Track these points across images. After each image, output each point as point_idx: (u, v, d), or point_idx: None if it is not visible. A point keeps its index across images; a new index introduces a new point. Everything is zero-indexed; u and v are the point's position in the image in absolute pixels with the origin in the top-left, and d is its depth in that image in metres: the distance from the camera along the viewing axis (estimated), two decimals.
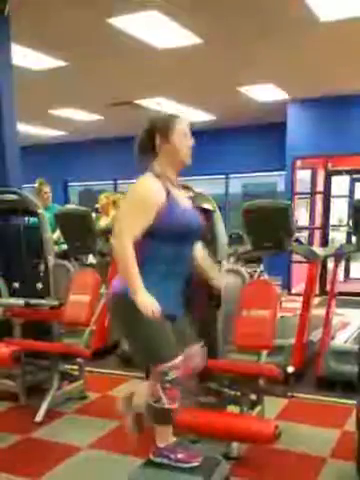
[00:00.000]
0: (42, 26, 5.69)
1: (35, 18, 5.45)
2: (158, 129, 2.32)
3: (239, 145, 11.17)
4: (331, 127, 8.93)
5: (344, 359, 4.07)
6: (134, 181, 2.34)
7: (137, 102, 9.09)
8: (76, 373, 4.10)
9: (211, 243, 3.52)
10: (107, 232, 5.83)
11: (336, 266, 4.55)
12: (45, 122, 10.75)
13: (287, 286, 9.03)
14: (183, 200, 2.38)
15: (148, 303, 2.17)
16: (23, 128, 10.56)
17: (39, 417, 3.61)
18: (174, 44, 6.22)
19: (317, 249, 4.85)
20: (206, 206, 3.51)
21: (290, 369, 3.12)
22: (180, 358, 2.28)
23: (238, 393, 3.25)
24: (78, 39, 6.11)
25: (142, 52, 6.43)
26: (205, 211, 3.54)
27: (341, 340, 4.70)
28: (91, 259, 6.28)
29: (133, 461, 2.81)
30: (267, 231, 4.43)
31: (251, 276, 6.56)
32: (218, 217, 3.51)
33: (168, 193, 2.27)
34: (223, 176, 11.94)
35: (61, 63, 6.87)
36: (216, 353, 3.40)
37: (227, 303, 3.42)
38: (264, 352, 3.26)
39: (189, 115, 9.95)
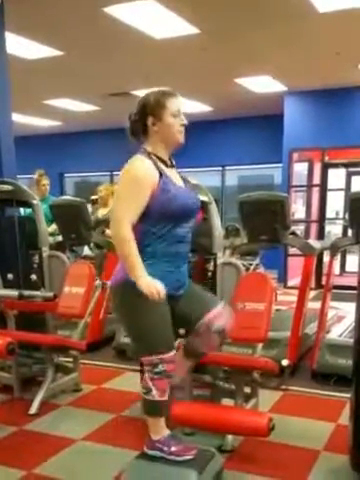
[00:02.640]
0: (38, 15, 5.63)
1: (30, 6, 5.38)
2: (150, 109, 2.26)
3: (236, 137, 11.13)
4: (328, 119, 8.91)
5: (339, 353, 4.07)
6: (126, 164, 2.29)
7: (134, 93, 9.02)
8: (71, 365, 4.09)
9: (207, 235, 3.52)
10: (105, 224, 5.81)
11: (332, 259, 4.53)
12: (41, 112, 10.67)
13: (283, 279, 9.02)
14: (177, 179, 2.34)
15: (151, 286, 2.12)
16: (18, 118, 10.52)
17: (33, 409, 3.60)
18: (171, 34, 6.16)
19: (313, 242, 4.83)
20: (202, 198, 3.50)
21: (285, 362, 3.11)
22: (173, 353, 2.25)
23: (233, 386, 3.25)
24: (74, 28, 6.05)
25: (139, 42, 6.38)
26: (201, 203, 3.54)
27: (336, 334, 4.69)
28: (86, 251, 6.27)
29: (127, 454, 2.81)
30: (263, 224, 4.41)
31: (247, 269, 6.55)
32: (214, 209, 3.49)
33: (161, 173, 2.22)
34: (219, 168, 11.90)
35: (57, 53, 6.81)
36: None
37: (223, 296, 3.42)
38: (259, 345, 3.25)
39: (186, 106, 9.88)
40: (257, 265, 5.94)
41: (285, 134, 9.33)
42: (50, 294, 3.87)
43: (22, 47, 6.54)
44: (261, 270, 7.54)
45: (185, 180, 2.42)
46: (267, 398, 3.65)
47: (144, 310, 2.18)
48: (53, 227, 5.26)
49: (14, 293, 3.90)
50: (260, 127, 10.76)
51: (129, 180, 2.20)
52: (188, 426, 3.13)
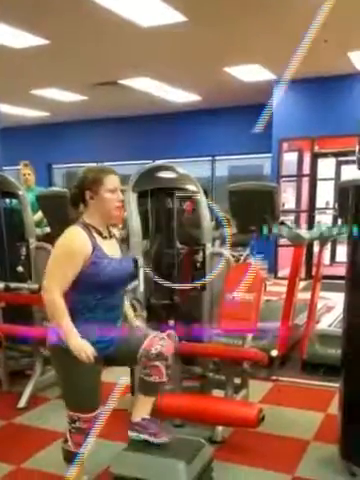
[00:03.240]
0: (23, 2, 5.50)
1: None
2: (87, 184, 2.34)
3: (225, 126, 11.05)
4: (317, 108, 8.88)
5: (328, 343, 4.08)
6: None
7: (121, 82, 8.95)
8: None
9: (196, 226, 3.50)
10: None
11: (321, 250, 4.53)
12: (28, 103, 10.51)
13: (274, 270, 9.03)
14: (113, 249, 2.41)
15: (82, 347, 2.23)
16: (6, 109, 10.41)
17: (22, 403, 3.58)
18: (158, 22, 6.07)
19: (302, 232, 4.81)
20: (190, 188, 3.48)
21: (274, 353, 3.11)
22: (94, 413, 2.34)
23: (223, 377, 3.24)
24: (60, 16, 5.95)
25: (126, 30, 6.29)
26: (191, 193, 3.50)
27: (326, 324, 4.70)
28: None
29: (118, 445, 2.79)
30: (252, 214, 4.39)
31: (237, 260, 6.53)
32: (202, 200, 3.46)
33: (94, 244, 2.30)
34: (209, 158, 11.85)
35: (43, 41, 6.70)
36: (201, 336, 3.38)
37: (213, 286, 3.40)
38: (249, 336, 3.24)
39: (174, 95, 9.84)
40: (247, 256, 5.92)
41: (274, 123, 9.25)
42: (37, 286, 3.82)
43: (8, 35, 6.43)
44: (251, 261, 7.55)
45: (122, 248, 2.51)
46: (257, 389, 3.65)
47: (74, 372, 2.30)
48: (38, 215, 5.18)
49: (0, 285, 3.87)
50: (250, 116, 10.53)
51: (63, 250, 2.32)
52: (178, 417, 3.12)
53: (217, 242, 4.57)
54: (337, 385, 2.91)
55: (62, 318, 2.24)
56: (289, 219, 9.03)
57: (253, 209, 4.36)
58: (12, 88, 9.01)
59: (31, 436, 3.19)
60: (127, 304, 2.68)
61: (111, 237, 2.43)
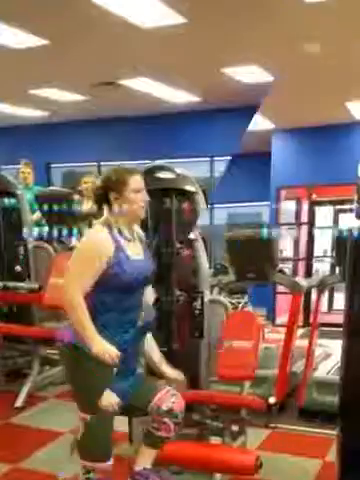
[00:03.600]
0: (22, 2, 5.49)
1: None
2: (111, 185, 2.37)
3: (224, 127, 10.65)
4: (315, 157, 9.01)
5: (326, 390, 4.10)
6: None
7: (121, 82, 8.79)
8: (57, 357, 3.99)
9: (194, 274, 3.58)
10: (90, 216, 5.73)
11: (319, 297, 4.60)
12: (27, 102, 10.33)
13: (272, 317, 9.04)
14: (134, 250, 2.41)
15: (105, 350, 2.20)
16: (4, 108, 10.31)
17: (19, 402, 3.54)
18: (157, 23, 6.04)
19: (300, 280, 4.89)
20: (188, 188, 3.53)
21: (272, 400, 3.13)
22: (110, 464, 2.31)
23: (220, 424, 3.26)
24: (59, 16, 5.89)
25: (125, 31, 6.25)
26: (187, 193, 3.56)
27: (323, 371, 4.72)
28: (74, 242, 6.18)
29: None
30: (251, 262, 4.46)
31: (235, 307, 6.57)
32: (200, 198, 3.52)
33: (117, 244, 2.31)
34: (207, 158, 11.48)
35: (43, 41, 6.65)
36: (199, 383, 3.42)
37: (211, 333, 3.46)
38: (247, 383, 3.28)
39: (172, 95, 9.57)
40: (246, 303, 5.98)
41: (272, 173, 9.45)
42: (35, 285, 3.82)
43: (7, 35, 6.39)
44: (249, 308, 7.59)
45: (146, 249, 2.50)
46: (255, 436, 3.64)
47: (88, 373, 2.26)
48: (37, 215, 5.19)
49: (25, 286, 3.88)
50: (246, 119, 10.65)
51: (85, 248, 2.34)
52: (176, 464, 3.12)
53: (215, 289, 4.65)
54: (335, 432, 2.93)
55: (82, 318, 2.20)
56: (287, 267, 9.13)
57: (251, 257, 4.44)
58: (12, 88, 8.90)
59: (28, 435, 3.17)
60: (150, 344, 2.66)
61: (134, 237, 2.43)
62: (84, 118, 11.71)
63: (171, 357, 3.47)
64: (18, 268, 4.13)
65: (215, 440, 3.33)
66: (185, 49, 7.11)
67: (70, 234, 5.25)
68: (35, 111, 11.19)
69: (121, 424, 2.62)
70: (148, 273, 2.44)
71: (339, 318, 3.14)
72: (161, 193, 3.50)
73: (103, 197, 2.39)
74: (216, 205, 11.87)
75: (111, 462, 2.32)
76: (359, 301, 2.84)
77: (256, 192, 10.58)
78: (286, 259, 9.68)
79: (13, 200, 4.30)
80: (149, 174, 3.36)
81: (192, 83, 9.00)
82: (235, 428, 3.30)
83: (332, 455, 3.12)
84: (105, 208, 2.41)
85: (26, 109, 10.98)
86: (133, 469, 2.47)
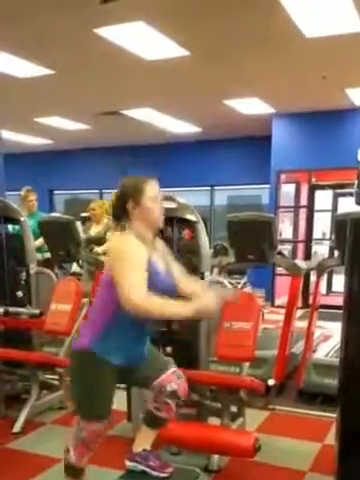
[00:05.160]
0: (29, 34, 5.67)
1: (21, 25, 5.43)
2: (129, 194, 2.28)
3: (225, 157, 11.25)
4: (315, 142, 9.02)
5: (325, 372, 4.08)
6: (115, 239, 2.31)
7: (123, 112, 9.10)
8: (56, 383, 4.05)
9: (195, 254, 3.54)
10: (97, 241, 5.79)
11: (318, 279, 4.56)
12: (32, 130, 10.70)
13: (271, 298, 9.04)
14: (161, 263, 2.31)
15: (205, 304, 2.12)
16: (9, 136, 10.55)
17: (17, 428, 3.56)
18: (161, 56, 6.23)
19: (299, 262, 4.86)
20: (189, 217, 3.53)
21: (271, 382, 3.11)
22: (101, 425, 2.28)
23: (219, 405, 3.24)
24: (65, 48, 6.11)
25: (129, 63, 6.45)
26: (188, 222, 3.56)
27: (322, 353, 4.71)
28: (75, 268, 6.24)
29: (113, 473, 2.78)
30: (250, 243, 4.43)
31: (235, 288, 6.57)
32: (201, 228, 3.51)
33: (149, 255, 2.22)
34: (208, 188, 12.01)
35: (48, 71, 6.86)
36: (198, 364, 3.40)
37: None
38: (246, 364, 3.25)
39: (175, 126, 10.01)
40: (245, 284, 5.96)
41: (273, 156, 9.42)
42: (36, 311, 3.84)
43: (13, 65, 6.58)
44: (249, 289, 7.59)
45: (166, 261, 2.38)
46: (254, 417, 3.64)
47: (95, 379, 2.23)
48: (40, 241, 5.23)
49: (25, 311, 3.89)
50: (249, 148, 10.88)
51: (129, 253, 2.16)
52: (174, 445, 3.11)
53: (215, 270, 4.62)
54: (334, 415, 2.91)
55: (169, 308, 2.09)
56: (286, 249, 9.10)
57: (251, 239, 4.40)
58: (17, 116, 9.17)
59: (26, 462, 3.17)
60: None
61: (155, 248, 2.34)
62: (87, 146, 12.07)
63: (171, 337, 3.46)
64: (20, 293, 4.16)
65: (214, 421, 3.31)
66: (188, 81, 7.35)
67: (71, 260, 5.26)
68: (39, 139, 11.50)
69: (120, 403, 2.56)
70: (171, 288, 2.30)
71: (338, 300, 3.11)
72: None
73: (122, 208, 2.29)
74: (216, 187, 11.93)
75: (104, 424, 2.29)
76: (358, 282, 2.80)
77: (256, 175, 10.62)
78: (285, 241, 9.66)
79: (17, 226, 4.35)
80: None
81: (194, 114, 9.32)
82: (234, 409, 3.28)
83: (331, 438, 3.11)
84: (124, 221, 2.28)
85: (31, 137, 11.28)
86: (132, 450, 2.46)
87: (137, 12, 5.06)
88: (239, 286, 6.16)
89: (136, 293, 2.04)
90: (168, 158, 11.55)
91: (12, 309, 3.86)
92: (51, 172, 12.77)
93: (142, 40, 5.77)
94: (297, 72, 6.91)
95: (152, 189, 2.30)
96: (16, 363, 3.95)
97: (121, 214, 2.30)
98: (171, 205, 3.57)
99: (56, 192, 13.79)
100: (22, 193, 6.31)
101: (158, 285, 2.18)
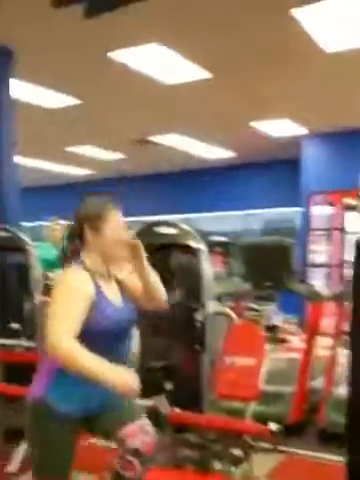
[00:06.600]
0: (50, 63, 5.68)
1: (41, 55, 5.43)
2: (87, 219, 2.07)
3: (257, 182, 11.12)
4: (346, 161, 8.72)
5: None
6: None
7: (153, 139, 9.05)
8: None
9: (196, 282, 3.33)
10: None
11: (340, 306, 4.27)
12: (63, 159, 10.75)
13: (303, 325, 8.65)
14: (114, 295, 2.11)
15: (126, 378, 1.87)
16: (41, 165, 10.74)
17: (13, 467, 3.37)
18: (183, 79, 6.14)
19: (320, 288, 4.58)
20: (191, 244, 3.35)
21: (274, 426, 2.79)
22: None
23: (222, 448, 2.97)
24: (86, 75, 6.09)
25: (150, 89, 6.38)
26: (191, 249, 3.38)
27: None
28: None
29: None
30: (267, 270, 4.24)
31: (260, 315, 6.31)
32: (203, 255, 3.30)
33: (98, 289, 2.02)
34: (241, 212, 11.82)
35: (75, 101, 6.91)
36: (200, 401, 3.16)
37: (212, 350, 3.19)
38: (251, 404, 2.98)
39: (206, 151, 9.95)
40: (263, 311, 5.74)
41: (303, 178, 9.21)
42: (33, 344, 3.69)
43: (42, 96, 6.66)
44: (278, 316, 7.26)
45: (123, 289, 2.18)
46: (264, 461, 3.32)
47: (52, 436, 2.02)
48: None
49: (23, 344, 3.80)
50: (280, 171, 10.70)
51: (67, 290, 1.98)
52: None
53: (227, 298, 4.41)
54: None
55: (86, 362, 1.83)
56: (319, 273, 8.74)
57: (267, 265, 4.21)
58: (47, 146, 9.29)
59: None
60: None
61: (111, 278, 2.13)
62: (122, 175, 12.03)
63: (170, 373, 3.24)
64: (14, 326, 4.07)
65: (218, 465, 3.04)
66: (212, 103, 7.25)
67: None
68: (72, 168, 11.60)
69: None
70: (128, 319, 2.13)
71: None
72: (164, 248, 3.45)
73: (76, 234, 2.09)
74: (249, 211, 11.75)
75: None
76: None
77: (288, 198, 10.43)
78: (318, 265, 9.29)
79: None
80: (150, 229, 3.46)
81: (223, 138, 9.23)
82: (238, 453, 3.00)
83: None
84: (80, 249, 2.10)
85: (64, 166, 11.40)
86: None
87: (150, 32, 4.92)
88: (264, 313, 5.90)
89: (59, 336, 1.85)
90: (200, 183, 11.49)
91: (8, 341, 3.70)
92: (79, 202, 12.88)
93: (164, 65, 5.70)
94: (323, 89, 6.66)
95: (116, 215, 2.09)
96: (16, 397, 3.79)
97: (76, 239, 2.09)
98: (172, 231, 3.41)
99: None
100: (49, 224, 6.30)
101: (103, 322, 1.98)
